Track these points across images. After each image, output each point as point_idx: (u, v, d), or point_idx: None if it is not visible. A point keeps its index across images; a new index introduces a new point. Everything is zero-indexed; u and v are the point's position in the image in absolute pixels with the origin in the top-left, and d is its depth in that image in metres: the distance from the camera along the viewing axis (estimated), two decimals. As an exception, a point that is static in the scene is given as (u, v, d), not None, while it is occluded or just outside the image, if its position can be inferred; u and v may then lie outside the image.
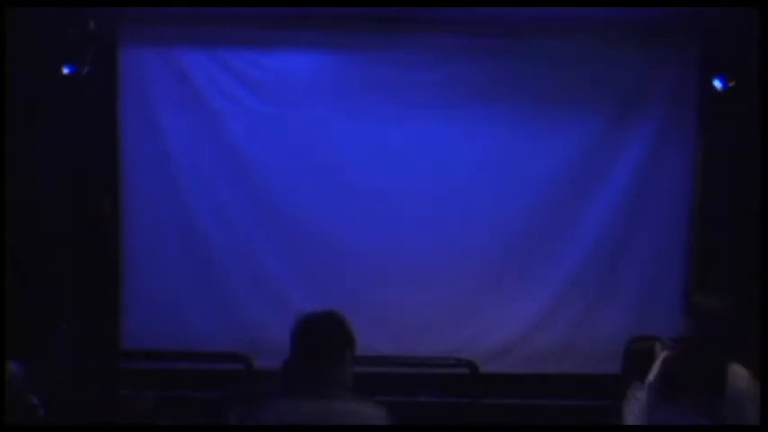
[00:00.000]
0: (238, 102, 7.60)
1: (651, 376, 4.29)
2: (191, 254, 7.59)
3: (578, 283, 7.66)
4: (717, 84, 7.36)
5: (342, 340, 3.34)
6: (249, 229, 7.61)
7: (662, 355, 4.37)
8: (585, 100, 7.57)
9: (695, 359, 4.20)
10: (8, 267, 5.71)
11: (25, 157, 6.82)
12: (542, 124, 7.56)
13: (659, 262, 7.65)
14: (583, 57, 7.52)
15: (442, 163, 7.59)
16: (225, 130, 7.59)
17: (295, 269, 7.60)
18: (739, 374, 4.11)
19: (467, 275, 7.57)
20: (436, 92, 7.54)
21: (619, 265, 7.67)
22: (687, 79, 7.65)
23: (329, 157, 7.58)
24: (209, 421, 5.74)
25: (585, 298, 7.65)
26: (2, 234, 5.87)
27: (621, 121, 7.62)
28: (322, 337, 3.33)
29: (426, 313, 7.46)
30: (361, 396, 3.35)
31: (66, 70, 7.16)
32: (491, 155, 7.60)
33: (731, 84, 7.29)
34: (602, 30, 7.39)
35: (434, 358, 7.41)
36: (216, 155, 7.59)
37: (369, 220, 7.56)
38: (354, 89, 7.55)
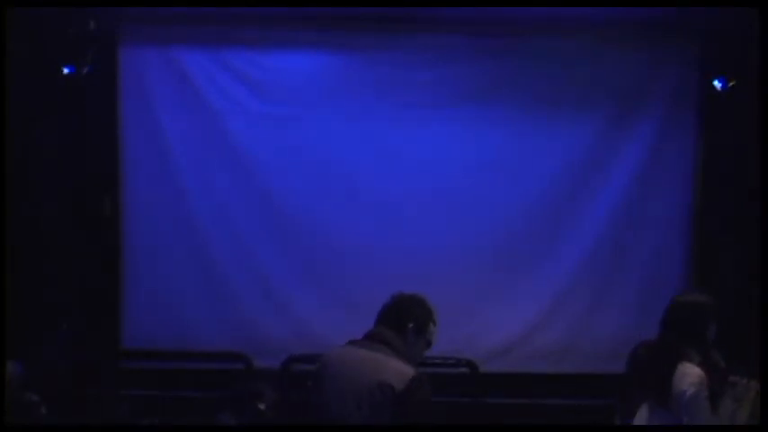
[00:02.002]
0: (238, 102, 7.60)
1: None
2: (191, 254, 7.58)
3: (578, 283, 7.65)
4: (717, 84, 7.35)
5: (406, 314, 3.83)
6: (249, 229, 7.61)
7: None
8: (585, 100, 7.57)
9: (652, 354, 4.23)
10: (8, 267, 5.71)
11: (25, 157, 6.82)
12: (542, 124, 7.55)
13: (659, 262, 7.64)
14: (583, 57, 7.51)
15: (442, 163, 7.58)
16: (225, 130, 7.59)
17: (295, 269, 7.60)
18: (685, 374, 4.01)
19: (467, 275, 7.56)
20: (436, 92, 7.54)
21: (619, 265, 7.66)
22: (687, 79, 7.65)
23: (329, 156, 7.57)
24: (209, 421, 5.75)
25: (585, 298, 7.65)
26: (2, 234, 5.87)
27: (621, 121, 7.62)
28: (390, 309, 3.82)
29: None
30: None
31: (66, 70, 7.16)
32: (491, 155, 7.60)
33: (731, 84, 7.29)
34: (602, 30, 7.38)
35: (434, 358, 7.38)
36: (216, 155, 7.59)
37: (369, 219, 7.55)
38: (354, 89, 7.55)
